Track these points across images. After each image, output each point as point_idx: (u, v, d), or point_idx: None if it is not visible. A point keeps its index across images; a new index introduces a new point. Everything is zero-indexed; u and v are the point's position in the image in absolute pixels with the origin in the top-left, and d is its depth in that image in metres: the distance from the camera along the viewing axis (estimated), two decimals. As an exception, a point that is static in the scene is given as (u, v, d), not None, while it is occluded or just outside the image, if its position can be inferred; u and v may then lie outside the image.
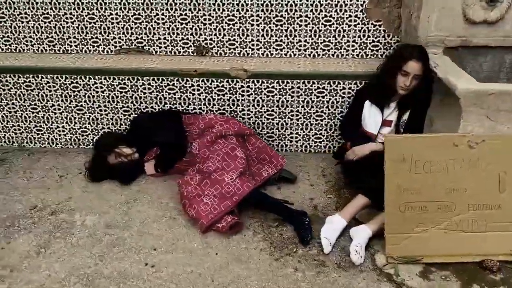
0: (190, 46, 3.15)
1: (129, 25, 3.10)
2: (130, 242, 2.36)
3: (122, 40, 3.16)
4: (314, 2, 2.94)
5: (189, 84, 3.00)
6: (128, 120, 3.12)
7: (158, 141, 2.81)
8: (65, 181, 2.89)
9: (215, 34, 3.09)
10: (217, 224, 2.40)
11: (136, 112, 3.10)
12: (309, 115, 3.03)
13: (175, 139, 2.77)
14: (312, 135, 3.10)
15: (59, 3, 3.06)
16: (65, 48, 3.20)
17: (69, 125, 3.18)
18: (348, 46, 3.05)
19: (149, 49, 3.18)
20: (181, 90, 3.02)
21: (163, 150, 2.83)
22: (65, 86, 3.05)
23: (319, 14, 2.97)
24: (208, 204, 2.44)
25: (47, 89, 3.07)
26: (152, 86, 3.02)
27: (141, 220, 2.52)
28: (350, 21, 2.98)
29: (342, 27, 3.00)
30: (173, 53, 3.17)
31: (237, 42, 3.10)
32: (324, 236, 2.28)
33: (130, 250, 2.31)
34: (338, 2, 2.93)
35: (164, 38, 3.13)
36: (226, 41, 3.10)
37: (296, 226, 2.41)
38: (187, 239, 2.39)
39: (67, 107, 3.12)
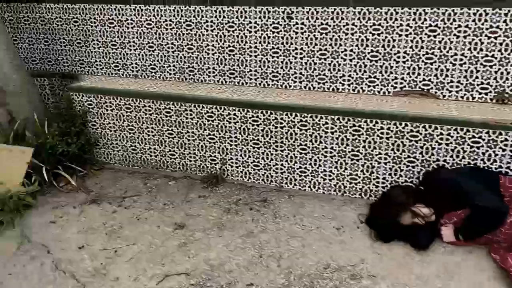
0: (489, 91, 2.69)
1: (418, 64, 2.76)
2: (474, 336, 1.92)
3: (405, 80, 2.83)
4: None
5: (501, 138, 2.52)
6: (411, 173, 2.74)
7: (472, 204, 2.34)
8: (344, 235, 2.58)
9: (528, 80, 2.59)
10: None
11: (423, 164, 2.70)
12: None
13: (497, 204, 2.29)
14: None
15: (340, 39, 2.85)
16: (335, 86, 2.98)
17: (338, 170, 2.90)
18: None
19: (435, 92, 2.79)
20: (488, 144, 2.55)
21: (475, 214, 2.35)
22: (345, 128, 2.79)
23: None
24: None
25: (323, 130, 2.84)
26: (452, 137, 2.60)
27: (471, 305, 2.07)
28: None
29: None
30: (465, 99, 2.75)
31: (555, 90, 2.56)
32: None
33: None
34: None
35: (458, 81, 2.72)
36: (541, 88, 2.59)
37: None
38: None
39: (342, 151, 2.85)
